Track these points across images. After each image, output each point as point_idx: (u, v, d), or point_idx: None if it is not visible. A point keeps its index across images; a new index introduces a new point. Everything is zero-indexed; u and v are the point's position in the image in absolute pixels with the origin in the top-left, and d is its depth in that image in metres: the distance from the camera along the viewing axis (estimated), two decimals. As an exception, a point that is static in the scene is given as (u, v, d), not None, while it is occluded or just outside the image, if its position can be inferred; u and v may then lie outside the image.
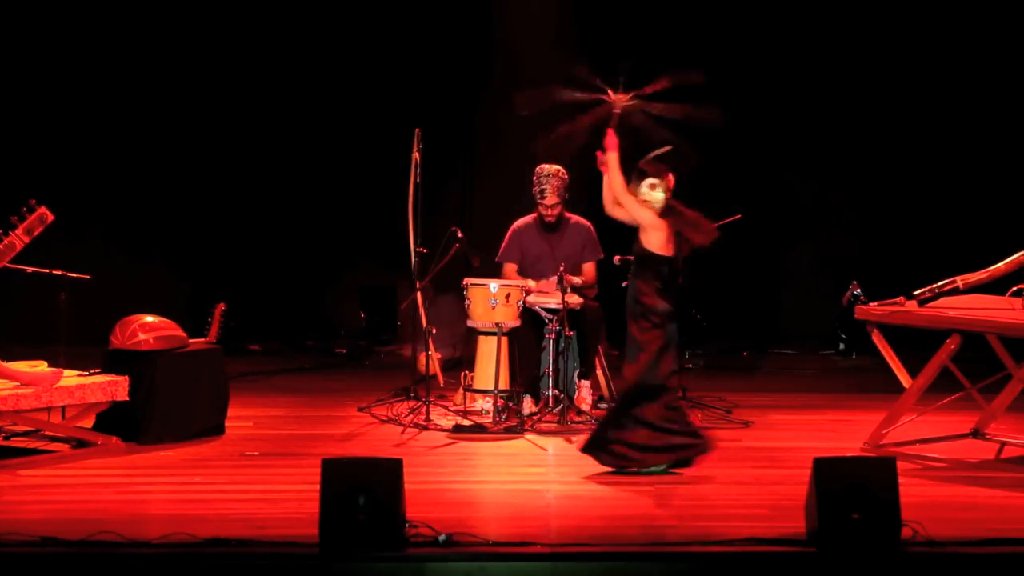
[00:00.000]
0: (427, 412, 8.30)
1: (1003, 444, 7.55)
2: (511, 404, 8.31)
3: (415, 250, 8.81)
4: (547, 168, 8.62)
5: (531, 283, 8.61)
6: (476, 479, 7.09)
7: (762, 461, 7.28)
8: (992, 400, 7.72)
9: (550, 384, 8.21)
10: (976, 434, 7.79)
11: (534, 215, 8.83)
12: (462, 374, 8.56)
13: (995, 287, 7.56)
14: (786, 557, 5.53)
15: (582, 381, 8.56)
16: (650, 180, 6.97)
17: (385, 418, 8.38)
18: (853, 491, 5.51)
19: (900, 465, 5.71)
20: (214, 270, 11.32)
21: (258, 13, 11.54)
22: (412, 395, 8.75)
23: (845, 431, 8.08)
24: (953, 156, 11.59)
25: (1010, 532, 5.75)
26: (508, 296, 8.24)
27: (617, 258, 8.56)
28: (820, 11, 11.55)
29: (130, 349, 7.62)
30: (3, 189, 10.27)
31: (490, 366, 8.23)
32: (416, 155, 8.73)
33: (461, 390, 8.56)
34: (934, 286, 7.49)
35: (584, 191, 8.65)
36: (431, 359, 8.77)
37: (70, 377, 7.40)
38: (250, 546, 5.50)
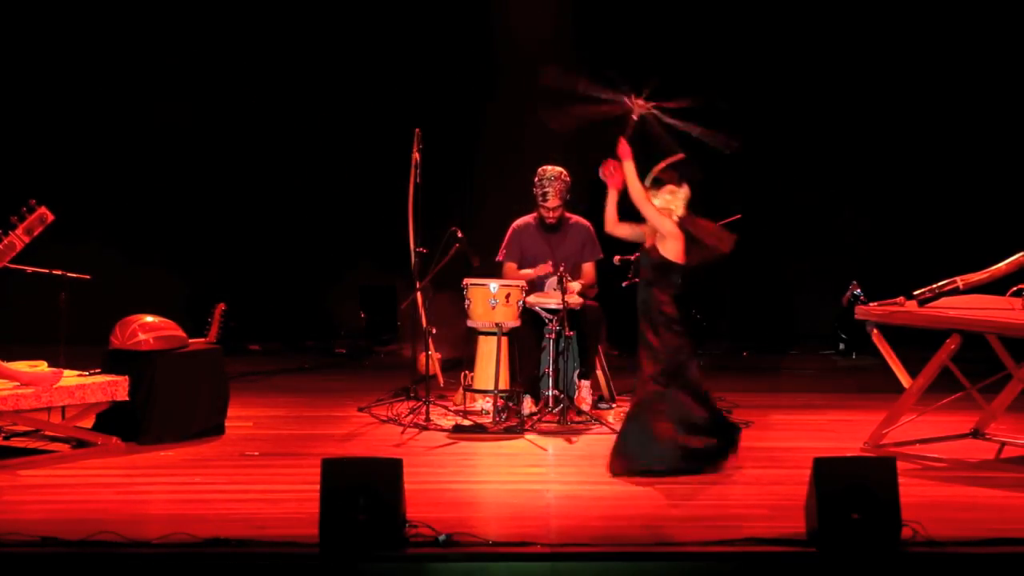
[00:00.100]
0: (427, 412, 8.30)
1: (1003, 444, 7.54)
2: (511, 404, 8.31)
3: (415, 250, 8.81)
4: (550, 170, 8.60)
5: (528, 271, 8.61)
6: (476, 479, 7.09)
7: (762, 461, 7.27)
8: (992, 400, 7.72)
9: (550, 384, 8.21)
10: (976, 434, 7.79)
11: (534, 214, 8.82)
12: (462, 374, 8.56)
13: (995, 287, 7.55)
14: (786, 557, 5.53)
15: (582, 381, 8.56)
16: (669, 188, 6.99)
17: (385, 418, 8.38)
18: (853, 491, 5.52)
19: (900, 465, 5.71)
20: (214, 270, 11.31)
21: (258, 14, 11.54)
22: (412, 395, 8.75)
23: (845, 431, 8.08)
24: (953, 157, 11.58)
25: (1010, 532, 5.75)
26: (508, 296, 8.23)
27: (617, 258, 8.57)
28: (819, 15, 11.54)
29: (130, 349, 7.62)
30: (3, 189, 10.26)
31: (490, 366, 8.22)
32: (416, 155, 8.73)
33: (461, 390, 8.57)
34: (934, 286, 7.49)
35: (584, 192, 8.66)
36: (431, 359, 8.77)
37: (70, 377, 7.39)
38: (250, 546, 5.50)
